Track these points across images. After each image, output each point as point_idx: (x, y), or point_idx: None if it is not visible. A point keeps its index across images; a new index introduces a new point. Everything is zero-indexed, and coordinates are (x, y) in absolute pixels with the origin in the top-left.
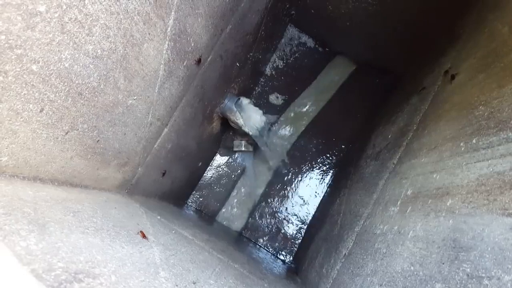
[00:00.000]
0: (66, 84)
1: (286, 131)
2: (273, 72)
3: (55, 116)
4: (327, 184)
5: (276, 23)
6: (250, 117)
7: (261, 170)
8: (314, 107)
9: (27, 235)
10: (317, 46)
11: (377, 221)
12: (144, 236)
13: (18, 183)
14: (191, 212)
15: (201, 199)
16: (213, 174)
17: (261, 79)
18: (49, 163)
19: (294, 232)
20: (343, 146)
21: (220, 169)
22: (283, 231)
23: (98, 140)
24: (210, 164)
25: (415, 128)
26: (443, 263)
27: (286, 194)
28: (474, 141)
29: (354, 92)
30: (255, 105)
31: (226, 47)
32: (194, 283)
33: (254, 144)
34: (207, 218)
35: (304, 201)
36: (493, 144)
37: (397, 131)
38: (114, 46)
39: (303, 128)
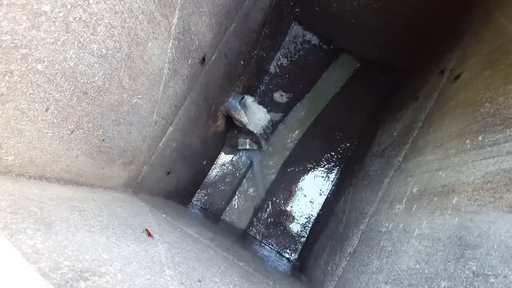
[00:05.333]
0: (71, 83)
1: (290, 129)
2: (278, 70)
3: (60, 115)
4: (332, 182)
5: (280, 20)
6: (254, 115)
7: (266, 168)
8: (318, 105)
9: (34, 233)
10: (321, 43)
11: (382, 219)
12: (149, 234)
13: (24, 182)
14: (196, 210)
15: (206, 197)
16: (218, 172)
17: (266, 77)
18: (54, 162)
19: (299, 230)
20: (348, 144)
21: (225, 168)
22: (288, 229)
23: (103, 139)
24: (215, 162)
25: (420, 125)
26: (449, 261)
27: (291, 192)
28: (480, 138)
29: (359, 90)
30: (260, 103)
31: (231, 45)
32: (199, 281)
33: (258, 142)
34: (212, 216)
35: (309, 199)
36: (499, 141)
37: (402, 128)
38: (118, 45)
39: (307, 127)
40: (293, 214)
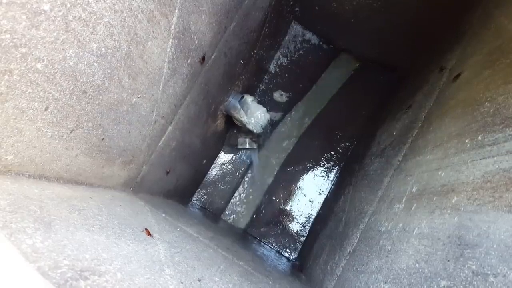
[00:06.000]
0: (70, 82)
1: (290, 129)
2: (277, 70)
3: (60, 115)
4: (331, 181)
5: (280, 20)
6: (254, 114)
7: (265, 168)
8: (318, 105)
9: (33, 233)
10: (321, 43)
11: (382, 219)
12: (149, 233)
13: (24, 181)
14: (196, 209)
15: (205, 196)
16: (218, 172)
17: (265, 77)
18: (54, 161)
19: (299, 229)
20: (347, 143)
21: (225, 167)
22: (287, 228)
23: (103, 138)
24: (215, 162)
25: (420, 125)
26: (448, 260)
27: (291, 191)
28: (479, 138)
29: (359, 89)
30: (259, 102)
31: (230, 44)
32: (199, 280)
33: (258, 142)
34: (211, 215)
35: (308, 198)
36: (498, 141)
37: (402, 128)
38: (118, 44)
39: (307, 126)
40: (293, 214)
